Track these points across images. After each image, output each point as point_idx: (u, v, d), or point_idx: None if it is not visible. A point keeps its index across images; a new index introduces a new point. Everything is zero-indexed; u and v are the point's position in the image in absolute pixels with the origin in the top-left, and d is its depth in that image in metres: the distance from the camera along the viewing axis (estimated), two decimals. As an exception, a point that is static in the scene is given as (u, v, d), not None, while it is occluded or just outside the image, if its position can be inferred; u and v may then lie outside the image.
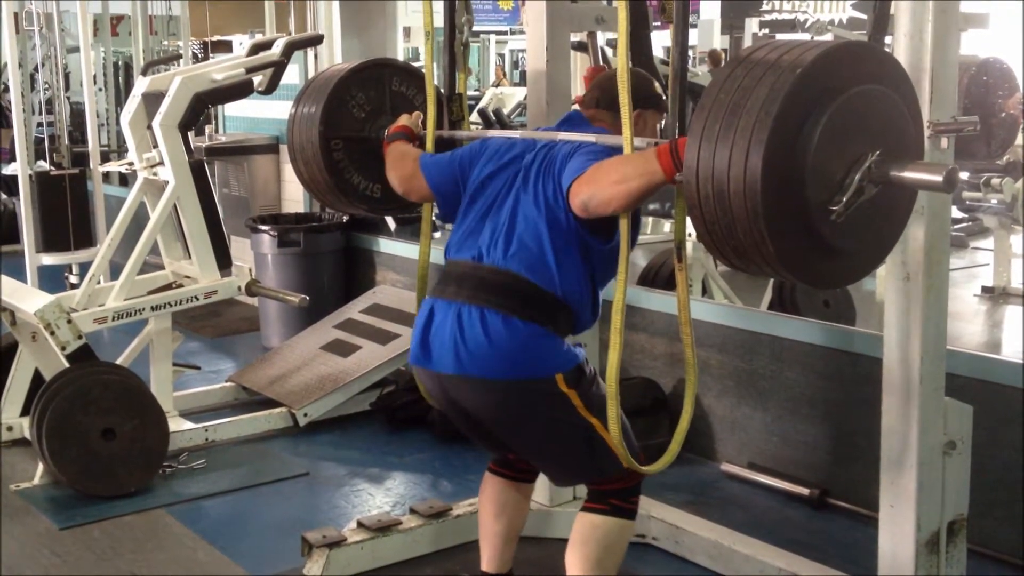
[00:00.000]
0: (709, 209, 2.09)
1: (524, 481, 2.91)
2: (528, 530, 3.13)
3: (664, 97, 2.78)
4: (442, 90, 3.17)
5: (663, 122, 2.77)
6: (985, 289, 6.33)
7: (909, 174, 2.11)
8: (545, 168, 2.57)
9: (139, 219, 4.46)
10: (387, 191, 3.11)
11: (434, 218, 3.11)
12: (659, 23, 8.77)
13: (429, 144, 3.02)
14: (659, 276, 5.22)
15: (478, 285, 2.54)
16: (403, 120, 3.09)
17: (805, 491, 3.72)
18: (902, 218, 2.29)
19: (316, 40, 5.31)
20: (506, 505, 2.87)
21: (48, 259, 6.26)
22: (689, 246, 5.25)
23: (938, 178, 2.09)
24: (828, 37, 6.88)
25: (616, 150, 2.48)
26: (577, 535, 2.66)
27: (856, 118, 2.07)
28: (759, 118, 1.99)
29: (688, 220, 2.35)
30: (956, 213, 6.88)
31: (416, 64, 3.62)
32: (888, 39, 2.61)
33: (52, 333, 3.97)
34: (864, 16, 6.90)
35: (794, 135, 2.01)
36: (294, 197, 6.57)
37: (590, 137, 2.62)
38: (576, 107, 2.88)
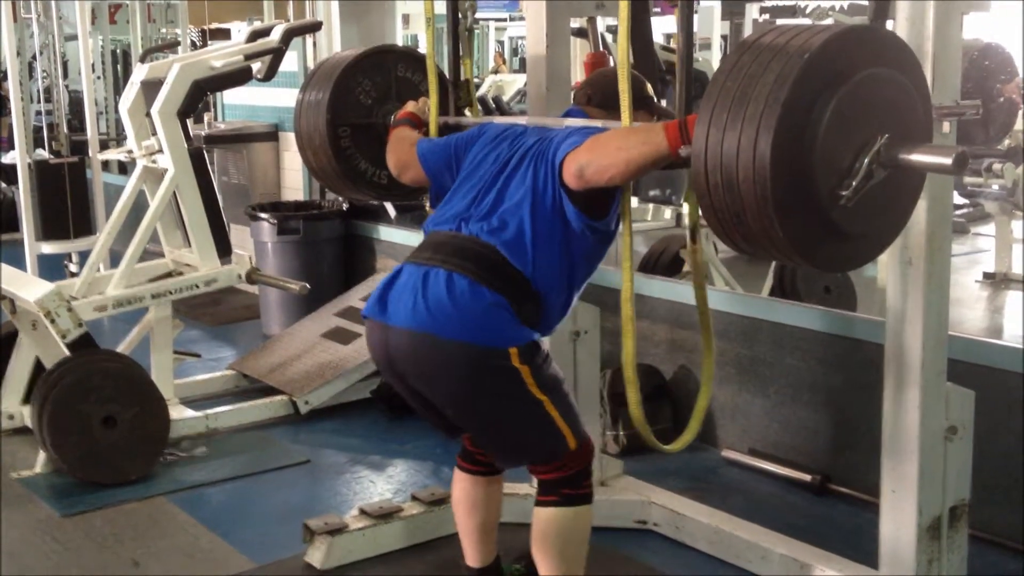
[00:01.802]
0: (718, 196, 2.08)
1: (491, 474, 2.85)
2: (519, 516, 3.11)
3: (656, 100, 2.78)
4: (447, 76, 3.16)
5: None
6: (986, 275, 6.32)
7: (918, 157, 2.10)
8: (539, 154, 2.55)
9: (138, 207, 4.45)
10: (394, 177, 3.10)
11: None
12: (659, 9, 8.73)
13: (432, 130, 3.01)
14: (660, 263, 5.21)
15: (453, 251, 2.50)
16: (410, 106, 3.08)
17: (806, 477, 3.72)
18: (911, 201, 2.28)
19: (315, 27, 5.30)
20: (477, 500, 2.84)
21: (48, 247, 6.25)
22: (691, 233, 5.26)
23: (947, 160, 2.08)
24: (828, 23, 6.85)
25: None
26: (537, 531, 2.62)
27: (864, 102, 2.06)
28: (767, 104, 1.98)
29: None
30: (957, 199, 6.87)
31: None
32: (889, 24, 2.60)
33: (52, 321, 3.96)
34: (865, 2, 6.88)
35: (803, 121, 2.00)
36: (294, 185, 6.55)
37: (595, 122, 2.61)
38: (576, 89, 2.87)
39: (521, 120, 2.82)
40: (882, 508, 2.69)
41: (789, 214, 2.03)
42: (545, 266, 2.49)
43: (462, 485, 2.86)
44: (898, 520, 2.64)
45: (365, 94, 3.30)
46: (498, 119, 2.93)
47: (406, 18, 11.86)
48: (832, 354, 3.75)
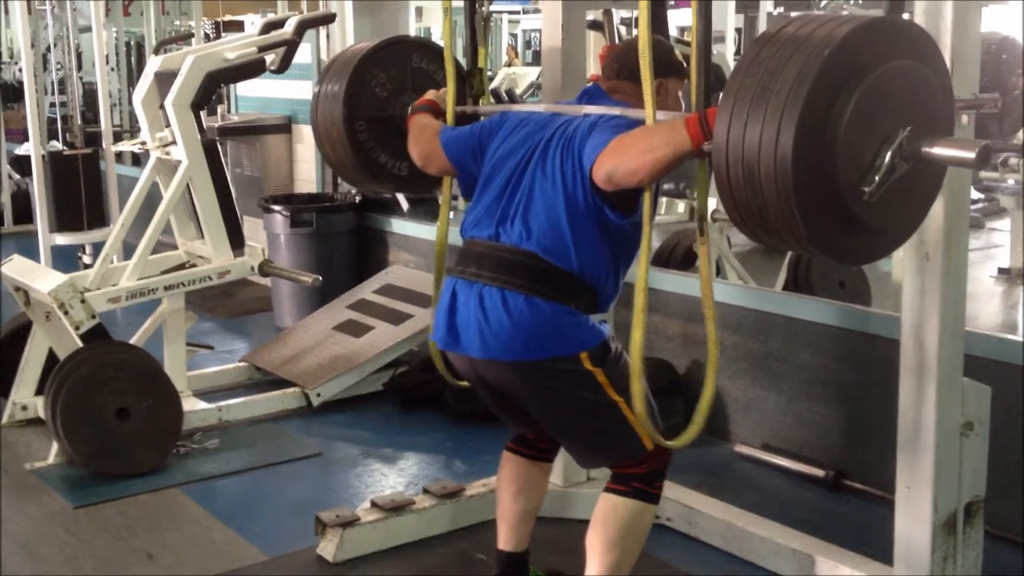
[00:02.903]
0: (739, 191, 2.06)
1: (542, 460, 2.90)
2: (543, 510, 3.12)
3: (685, 64, 2.74)
4: (464, 66, 3.15)
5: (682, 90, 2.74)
6: (1001, 270, 6.29)
7: (941, 150, 2.08)
8: (564, 145, 2.55)
9: (152, 199, 4.45)
10: (414, 168, 3.08)
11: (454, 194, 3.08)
12: (673, 1, 8.69)
13: (449, 119, 3.00)
14: (673, 256, 5.20)
15: (498, 265, 2.53)
16: (430, 94, 3.08)
17: (820, 472, 3.71)
18: (931, 194, 2.26)
19: (328, 19, 5.28)
20: (525, 484, 2.87)
21: (61, 239, 6.28)
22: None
23: (971, 154, 2.05)
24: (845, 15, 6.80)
25: (638, 123, 2.46)
26: (599, 516, 2.64)
27: (887, 95, 2.04)
28: (789, 98, 1.95)
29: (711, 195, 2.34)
30: (972, 193, 6.83)
31: (429, 43, 3.59)
32: (904, 16, 2.57)
33: (66, 313, 3.97)
34: (880, -5, 6.82)
35: (825, 114, 1.98)
36: (307, 177, 6.55)
37: (614, 109, 2.59)
38: (594, 81, 2.85)
39: (540, 107, 2.80)
40: (897, 504, 2.67)
41: (811, 209, 2.01)
42: (590, 260, 2.52)
43: (511, 467, 2.88)
44: (913, 517, 2.63)
45: (381, 87, 3.29)
46: (516, 107, 2.91)
47: (419, 11, 11.86)
48: (846, 349, 3.73)
